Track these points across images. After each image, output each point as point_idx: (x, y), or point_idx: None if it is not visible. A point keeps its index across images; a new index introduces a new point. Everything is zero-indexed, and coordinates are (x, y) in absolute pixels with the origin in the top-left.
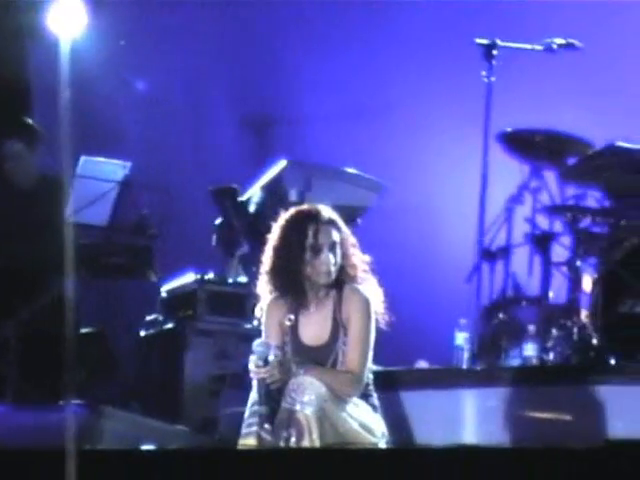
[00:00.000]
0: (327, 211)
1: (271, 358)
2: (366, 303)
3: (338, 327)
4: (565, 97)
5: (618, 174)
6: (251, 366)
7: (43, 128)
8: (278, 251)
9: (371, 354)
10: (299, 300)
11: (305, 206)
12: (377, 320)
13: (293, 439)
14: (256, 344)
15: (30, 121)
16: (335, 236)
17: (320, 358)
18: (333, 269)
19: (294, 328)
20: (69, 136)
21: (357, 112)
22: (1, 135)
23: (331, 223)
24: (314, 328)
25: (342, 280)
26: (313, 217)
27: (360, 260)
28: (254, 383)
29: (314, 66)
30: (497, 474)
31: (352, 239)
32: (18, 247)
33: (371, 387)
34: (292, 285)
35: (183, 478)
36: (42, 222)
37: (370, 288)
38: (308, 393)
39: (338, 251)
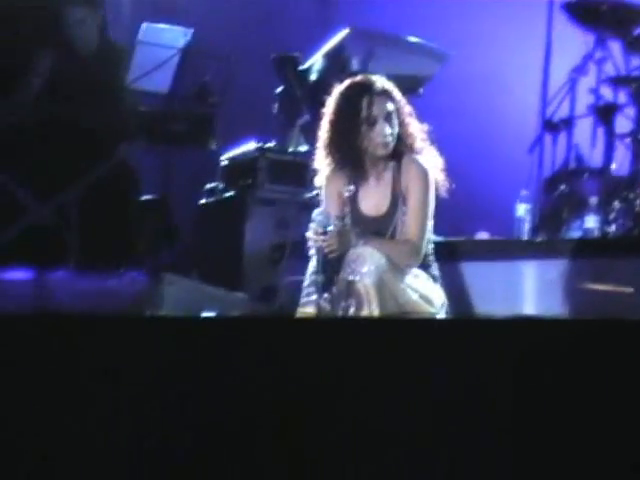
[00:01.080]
0: (381, 81)
1: (330, 228)
2: (424, 173)
3: (397, 197)
4: None
5: None
6: (310, 234)
7: None
8: (334, 125)
9: (431, 224)
10: (358, 172)
11: (359, 77)
12: (437, 189)
13: (352, 309)
14: (316, 213)
15: None
16: (390, 106)
17: (380, 228)
18: (390, 140)
19: (353, 199)
20: (132, 1)
21: None
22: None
23: (385, 93)
24: (373, 199)
25: (401, 151)
26: (367, 88)
27: (418, 129)
28: (313, 252)
29: None
30: (556, 345)
31: (408, 108)
32: (80, 113)
33: (431, 257)
34: (350, 158)
35: (242, 345)
36: (104, 88)
37: (429, 158)
38: (368, 264)
39: (395, 121)
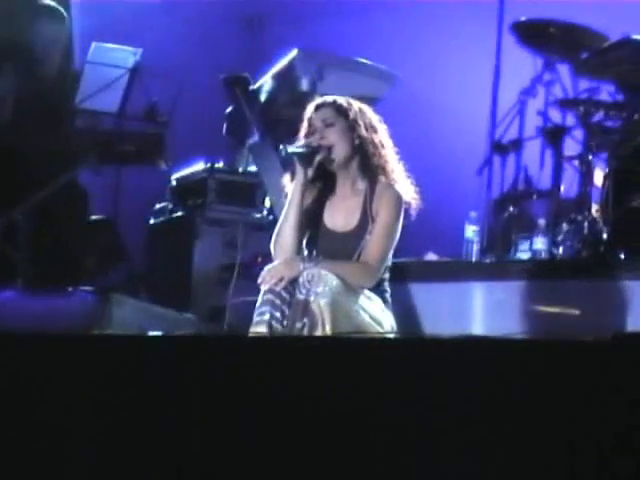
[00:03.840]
0: (333, 97)
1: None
2: (398, 200)
3: (367, 218)
4: None
5: (633, 68)
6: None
7: None
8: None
9: (392, 251)
10: (326, 182)
11: None
12: (406, 214)
13: (306, 329)
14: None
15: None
16: (331, 116)
17: (345, 246)
18: (332, 145)
19: (318, 213)
20: (81, 23)
21: (368, 5)
22: (34, 18)
23: (329, 105)
24: (341, 215)
25: (373, 171)
26: (316, 103)
27: (380, 144)
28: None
29: None
30: (504, 365)
31: (369, 123)
32: (31, 132)
33: (386, 282)
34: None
35: (191, 364)
36: (57, 109)
37: (403, 183)
38: (322, 284)
39: (341, 131)
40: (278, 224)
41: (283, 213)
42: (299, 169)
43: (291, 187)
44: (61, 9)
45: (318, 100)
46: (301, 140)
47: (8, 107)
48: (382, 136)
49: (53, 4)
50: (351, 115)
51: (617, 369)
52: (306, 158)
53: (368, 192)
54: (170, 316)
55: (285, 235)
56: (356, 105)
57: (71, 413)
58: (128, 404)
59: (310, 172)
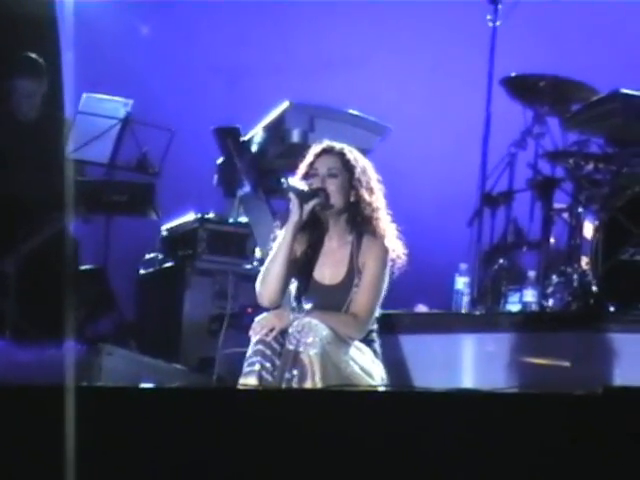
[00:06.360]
0: (339, 145)
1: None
2: (384, 253)
3: (354, 270)
4: (570, 42)
5: (621, 121)
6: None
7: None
8: None
9: (380, 302)
10: (316, 232)
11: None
12: (392, 268)
13: (296, 380)
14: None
15: (39, 59)
16: (336, 167)
17: (332, 298)
18: (333, 195)
19: (307, 265)
20: (72, 73)
21: (354, 58)
22: (13, 71)
23: (334, 153)
24: (329, 268)
25: (361, 227)
26: (320, 148)
27: (375, 206)
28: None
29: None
30: (495, 419)
31: (368, 181)
32: (20, 181)
33: (375, 333)
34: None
35: (181, 416)
36: (45, 157)
37: (390, 239)
38: (312, 335)
39: (342, 182)
40: (266, 263)
41: (272, 252)
42: (294, 207)
43: (282, 230)
44: (41, 62)
45: (325, 144)
46: (301, 180)
47: None
48: (378, 197)
49: (33, 57)
50: (356, 174)
51: (608, 423)
52: (305, 197)
53: (355, 245)
54: (160, 367)
55: (272, 274)
56: (362, 162)
57: (61, 465)
58: (118, 455)
59: (305, 213)
